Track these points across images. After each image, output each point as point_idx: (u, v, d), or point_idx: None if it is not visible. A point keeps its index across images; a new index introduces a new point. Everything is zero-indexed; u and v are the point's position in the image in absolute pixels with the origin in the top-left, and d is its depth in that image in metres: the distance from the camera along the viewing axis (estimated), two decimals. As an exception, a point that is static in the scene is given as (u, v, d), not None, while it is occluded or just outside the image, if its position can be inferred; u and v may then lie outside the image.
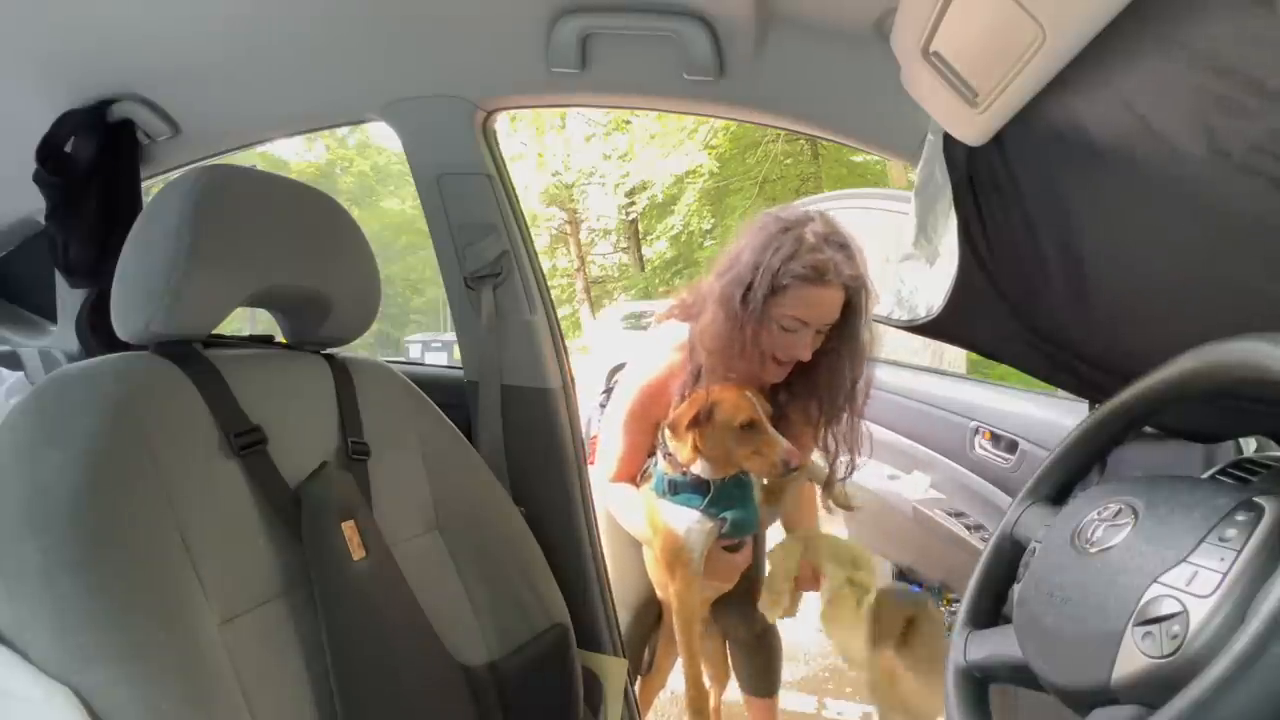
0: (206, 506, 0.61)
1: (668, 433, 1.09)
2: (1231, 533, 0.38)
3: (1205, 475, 0.64)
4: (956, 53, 0.52)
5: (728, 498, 1.10)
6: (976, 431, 1.38)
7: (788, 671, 1.52)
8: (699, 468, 1.09)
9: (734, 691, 1.67)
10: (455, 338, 1.12)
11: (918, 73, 0.57)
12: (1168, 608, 0.37)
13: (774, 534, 1.29)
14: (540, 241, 12.93)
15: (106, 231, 1.00)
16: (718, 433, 1.04)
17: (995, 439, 1.34)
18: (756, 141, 9.62)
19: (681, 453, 1.07)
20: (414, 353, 10.24)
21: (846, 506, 1.20)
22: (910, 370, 1.71)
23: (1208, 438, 0.71)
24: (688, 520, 1.09)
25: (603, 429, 1.24)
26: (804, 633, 2.12)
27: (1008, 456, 1.30)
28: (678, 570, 1.10)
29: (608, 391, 1.39)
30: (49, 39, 0.88)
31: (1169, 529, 0.41)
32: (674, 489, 1.11)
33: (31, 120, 0.97)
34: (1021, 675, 0.48)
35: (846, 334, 1.06)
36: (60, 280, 1.10)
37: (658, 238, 11.64)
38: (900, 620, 1.12)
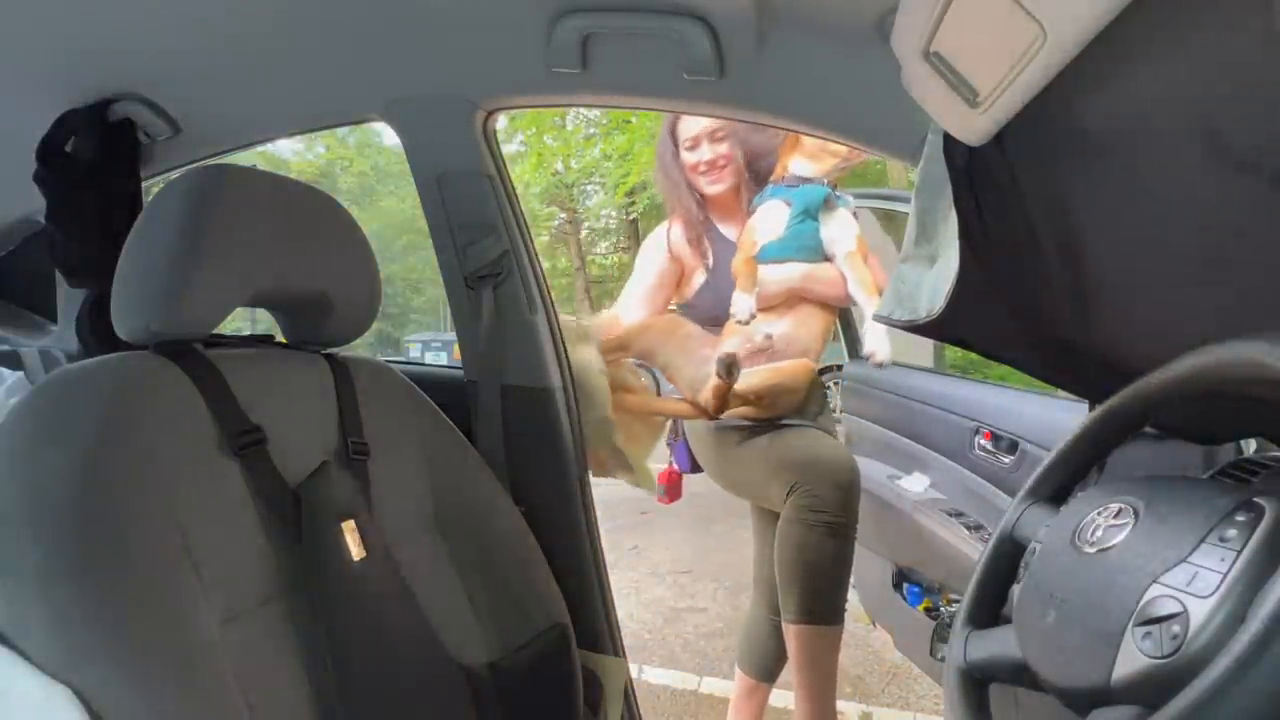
0: (206, 506, 0.61)
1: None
2: (1232, 533, 0.38)
3: (1205, 475, 0.64)
4: (957, 53, 0.52)
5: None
6: (977, 432, 1.38)
7: (786, 670, 1.50)
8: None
9: (777, 697, 1.66)
10: (455, 338, 1.12)
11: (918, 73, 0.57)
12: (1168, 608, 0.37)
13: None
14: (540, 241, 12.90)
15: (106, 231, 0.99)
16: None
17: (996, 439, 1.33)
18: (756, 141, 9.57)
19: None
20: (414, 353, 10.22)
21: None
22: (910, 370, 1.71)
23: (1208, 438, 0.71)
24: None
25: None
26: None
27: (1008, 457, 1.30)
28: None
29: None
30: (49, 39, 0.88)
31: (1169, 529, 0.41)
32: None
33: (31, 120, 0.97)
34: (1021, 675, 0.48)
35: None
36: (60, 280, 1.10)
37: (657, 238, 11.57)
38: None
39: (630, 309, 1.44)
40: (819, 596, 1.24)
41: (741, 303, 1.27)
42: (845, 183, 1.40)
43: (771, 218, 1.35)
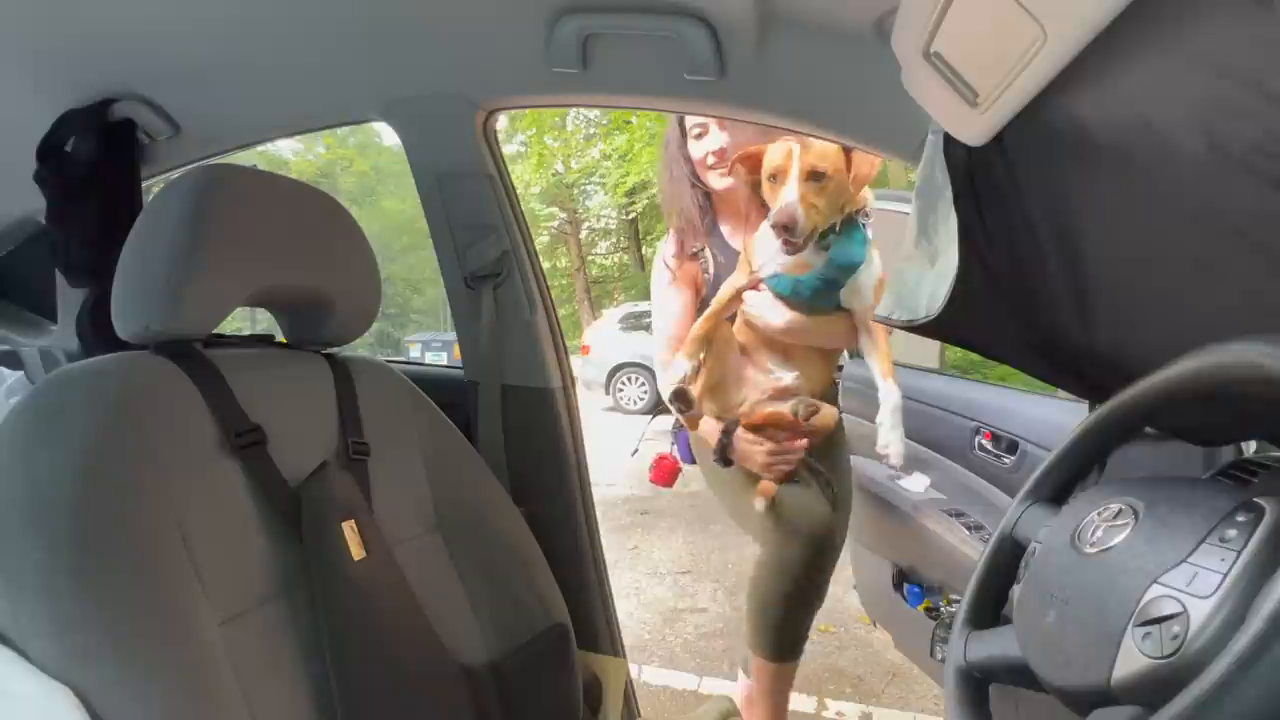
0: (206, 506, 0.61)
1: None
2: (1232, 533, 0.38)
3: (1205, 476, 0.64)
4: (957, 53, 0.52)
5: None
6: (977, 432, 1.38)
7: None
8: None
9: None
10: (455, 338, 1.12)
11: (918, 73, 0.57)
12: (1168, 608, 0.37)
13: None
14: (540, 241, 12.92)
15: (106, 231, 0.99)
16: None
17: (996, 439, 1.33)
18: (757, 141, 9.59)
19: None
20: (414, 353, 10.24)
21: None
22: (910, 370, 1.71)
23: (1208, 440, 0.70)
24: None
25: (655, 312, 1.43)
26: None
27: (1008, 457, 1.30)
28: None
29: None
30: (49, 39, 0.88)
31: (1169, 529, 0.41)
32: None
33: (31, 120, 0.97)
34: (1021, 675, 0.48)
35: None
36: (60, 280, 1.10)
37: (658, 237, 11.62)
38: None
39: (669, 350, 1.34)
40: (782, 637, 1.34)
41: (678, 366, 1.21)
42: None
43: (773, 241, 1.24)
